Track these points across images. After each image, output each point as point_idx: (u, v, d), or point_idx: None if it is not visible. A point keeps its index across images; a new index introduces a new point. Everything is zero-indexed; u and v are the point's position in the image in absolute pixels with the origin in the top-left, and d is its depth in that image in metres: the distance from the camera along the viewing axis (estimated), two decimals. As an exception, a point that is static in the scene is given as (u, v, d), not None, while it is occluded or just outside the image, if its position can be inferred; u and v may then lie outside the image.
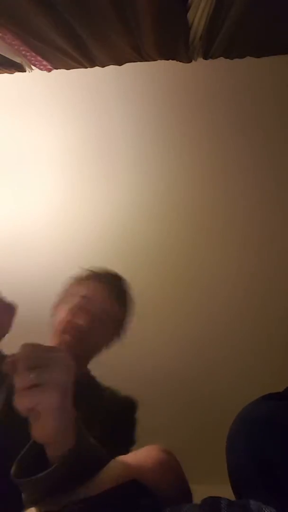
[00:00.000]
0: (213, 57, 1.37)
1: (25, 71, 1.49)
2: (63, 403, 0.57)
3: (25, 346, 0.58)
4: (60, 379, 0.56)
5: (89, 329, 1.07)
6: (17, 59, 1.41)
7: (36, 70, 1.49)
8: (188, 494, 0.64)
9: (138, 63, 1.42)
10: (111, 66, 1.45)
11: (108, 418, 0.98)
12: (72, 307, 1.09)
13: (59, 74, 1.51)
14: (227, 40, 1.26)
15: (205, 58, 1.38)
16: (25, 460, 0.60)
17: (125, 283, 1.23)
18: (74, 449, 0.59)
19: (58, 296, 1.18)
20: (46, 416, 0.56)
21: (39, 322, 1.47)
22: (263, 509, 0.47)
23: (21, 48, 1.33)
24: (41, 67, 1.47)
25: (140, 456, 0.64)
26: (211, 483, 0.61)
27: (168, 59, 1.39)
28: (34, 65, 1.46)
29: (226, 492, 0.58)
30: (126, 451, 0.72)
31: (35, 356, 0.57)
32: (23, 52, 1.35)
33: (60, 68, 1.47)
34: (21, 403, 0.55)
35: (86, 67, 1.44)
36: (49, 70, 1.50)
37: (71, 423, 0.59)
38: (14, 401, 0.55)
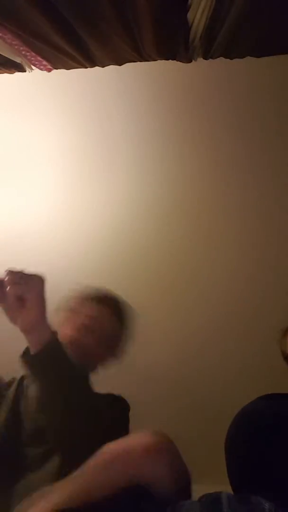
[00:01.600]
0: (213, 57, 1.37)
1: (25, 71, 1.49)
2: (43, 295, 0.80)
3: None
4: (41, 283, 0.82)
5: (91, 348, 1.12)
6: (17, 59, 1.41)
7: (36, 70, 1.49)
8: (186, 476, 0.61)
9: (138, 63, 1.42)
10: (111, 66, 1.45)
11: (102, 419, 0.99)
12: (79, 325, 1.14)
13: (59, 74, 1.51)
14: (227, 40, 1.26)
15: (205, 58, 1.38)
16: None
17: (128, 307, 1.28)
18: (51, 341, 0.80)
19: (59, 311, 1.20)
20: (31, 302, 0.77)
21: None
22: (263, 503, 0.47)
23: (21, 48, 1.33)
24: (41, 67, 1.47)
25: (130, 442, 0.61)
26: (210, 483, 0.61)
27: (168, 59, 1.39)
28: (34, 65, 1.46)
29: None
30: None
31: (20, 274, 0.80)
32: (23, 52, 1.36)
33: (60, 68, 1.47)
34: (12, 292, 0.75)
35: (86, 67, 1.44)
36: (49, 70, 1.50)
37: (46, 319, 0.80)
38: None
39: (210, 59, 1.39)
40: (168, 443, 0.60)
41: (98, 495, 0.54)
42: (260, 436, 0.58)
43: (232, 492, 0.60)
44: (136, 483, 0.56)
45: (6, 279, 0.84)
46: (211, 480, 0.62)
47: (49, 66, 1.46)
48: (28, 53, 1.36)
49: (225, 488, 0.62)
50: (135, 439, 0.61)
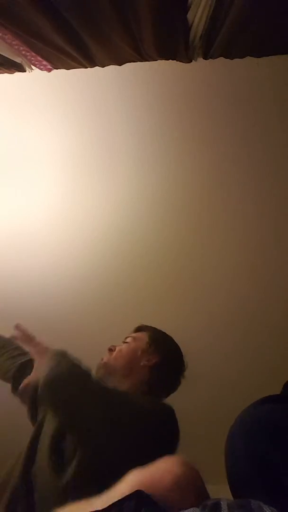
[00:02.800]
0: (213, 57, 1.37)
1: (25, 71, 1.49)
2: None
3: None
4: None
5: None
6: (17, 59, 1.41)
7: (36, 70, 1.49)
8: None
9: (138, 63, 1.42)
10: (111, 66, 1.45)
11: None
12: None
13: (59, 74, 1.51)
14: (227, 40, 1.26)
15: (205, 58, 1.38)
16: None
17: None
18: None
19: None
20: None
21: (39, 320, 1.47)
22: (264, 508, 0.47)
23: (21, 48, 1.32)
24: (41, 67, 1.47)
25: (158, 471, 0.59)
26: (210, 483, 0.61)
27: (168, 59, 1.39)
28: (34, 65, 1.46)
29: (226, 492, 0.58)
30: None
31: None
32: (23, 52, 1.35)
33: (60, 68, 1.47)
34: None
35: (86, 67, 1.44)
36: (49, 70, 1.50)
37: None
38: None
39: (210, 59, 1.39)
40: (195, 474, 0.59)
41: None
42: (261, 438, 0.58)
43: (232, 497, 0.60)
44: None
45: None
46: (211, 480, 0.61)
47: (49, 66, 1.46)
48: (28, 53, 1.36)
49: (225, 488, 0.62)
50: (164, 469, 0.59)
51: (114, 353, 1.24)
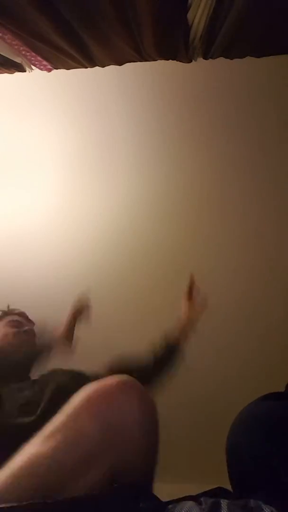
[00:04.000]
0: (213, 57, 1.37)
1: (25, 71, 1.49)
2: None
3: None
4: None
5: None
6: (17, 59, 1.41)
7: (36, 70, 1.49)
8: (154, 412, 0.68)
9: (138, 63, 1.42)
10: (111, 66, 1.45)
11: None
12: None
13: (59, 74, 1.51)
14: (227, 40, 1.26)
15: (205, 58, 1.38)
16: None
17: None
18: None
19: None
20: None
21: (39, 320, 1.47)
22: (263, 508, 0.47)
23: (21, 48, 1.33)
24: (41, 67, 1.47)
25: (106, 379, 0.69)
26: (211, 483, 0.61)
27: (168, 59, 1.39)
28: (34, 65, 1.46)
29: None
30: None
31: None
32: (23, 52, 1.36)
33: (60, 68, 1.47)
34: None
35: (86, 67, 1.44)
36: (49, 70, 1.50)
37: None
38: None
39: (210, 59, 1.39)
40: (136, 381, 0.69)
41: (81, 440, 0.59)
42: (262, 436, 0.58)
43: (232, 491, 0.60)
44: (113, 428, 0.61)
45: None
46: (211, 480, 0.61)
47: (49, 66, 1.46)
48: (28, 53, 1.36)
49: (226, 487, 0.62)
50: (111, 378, 0.69)
51: None
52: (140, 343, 1.39)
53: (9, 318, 1.33)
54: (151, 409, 0.67)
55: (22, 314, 1.37)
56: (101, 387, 0.66)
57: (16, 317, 1.33)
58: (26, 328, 1.29)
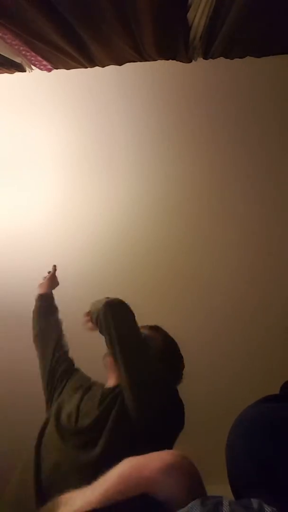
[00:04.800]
0: (213, 57, 1.37)
1: (25, 71, 1.49)
2: None
3: None
4: None
5: None
6: (17, 59, 1.41)
7: (36, 70, 1.49)
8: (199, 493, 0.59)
9: (138, 63, 1.42)
10: (111, 66, 1.45)
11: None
12: None
13: (59, 74, 1.51)
14: (227, 40, 1.26)
15: (205, 58, 1.38)
16: None
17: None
18: None
19: None
20: None
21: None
22: (265, 508, 0.47)
23: (21, 48, 1.33)
24: (41, 67, 1.47)
25: (150, 457, 0.61)
26: (211, 483, 0.61)
27: (168, 59, 1.39)
28: (34, 65, 1.46)
29: (225, 492, 0.58)
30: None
31: None
32: (23, 52, 1.35)
33: (60, 68, 1.47)
34: None
35: (86, 67, 1.44)
36: (49, 70, 1.50)
37: None
38: None
39: (210, 59, 1.39)
40: (188, 465, 0.60)
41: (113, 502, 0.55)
42: (261, 437, 0.58)
43: (232, 496, 0.60)
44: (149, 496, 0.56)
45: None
46: (211, 480, 0.61)
47: (49, 66, 1.46)
48: (28, 53, 1.36)
49: (225, 488, 0.62)
50: (156, 455, 0.61)
51: None
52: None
53: None
54: (199, 492, 0.58)
55: None
56: (140, 463, 0.59)
57: None
58: None
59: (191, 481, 0.58)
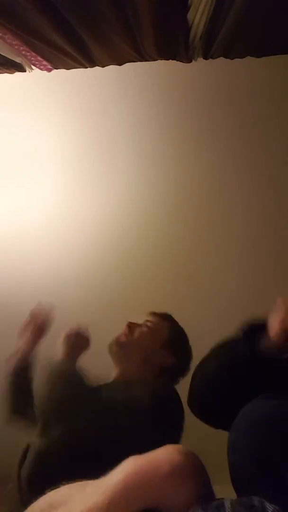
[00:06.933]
0: (213, 57, 1.37)
1: (25, 71, 1.49)
2: None
3: None
4: None
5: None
6: (17, 59, 1.41)
7: (36, 70, 1.49)
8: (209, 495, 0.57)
9: (138, 63, 1.42)
10: (111, 66, 1.45)
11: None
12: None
13: (59, 74, 1.51)
14: (227, 40, 1.26)
15: (205, 58, 1.38)
16: None
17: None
18: None
19: None
20: None
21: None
22: (267, 506, 0.47)
23: (21, 48, 1.33)
24: (41, 67, 1.47)
25: (156, 458, 0.56)
26: (215, 483, 0.60)
27: (168, 59, 1.39)
28: (34, 65, 1.46)
29: (226, 492, 0.58)
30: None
31: None
32: (23, 52, 1.36)
33: (60, 68, 1.47)
34: None
35: (86, 67, 1.44)
36: (49, 70, 1.50)
37: None
38: None
39: (210, 59, 1.39)
40: (196, 464, 0.56)
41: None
42: (262, 435, 0.58)
43: (234, 490, 0.60)
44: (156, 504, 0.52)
45: None
46: (214, 480, 0.61)
47: (49, 66, 1.46)
48: (28, 53, 1.36)
49: (226, 488, 0.62)
50: (162, 457, 0.56)
51: (135, 336, 1.22)
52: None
53: None
54: (207, 492, 0.55)
55: None
56: (145, 468, 0.54)
57: None
58: None
59: (198, 481, 0.55)
